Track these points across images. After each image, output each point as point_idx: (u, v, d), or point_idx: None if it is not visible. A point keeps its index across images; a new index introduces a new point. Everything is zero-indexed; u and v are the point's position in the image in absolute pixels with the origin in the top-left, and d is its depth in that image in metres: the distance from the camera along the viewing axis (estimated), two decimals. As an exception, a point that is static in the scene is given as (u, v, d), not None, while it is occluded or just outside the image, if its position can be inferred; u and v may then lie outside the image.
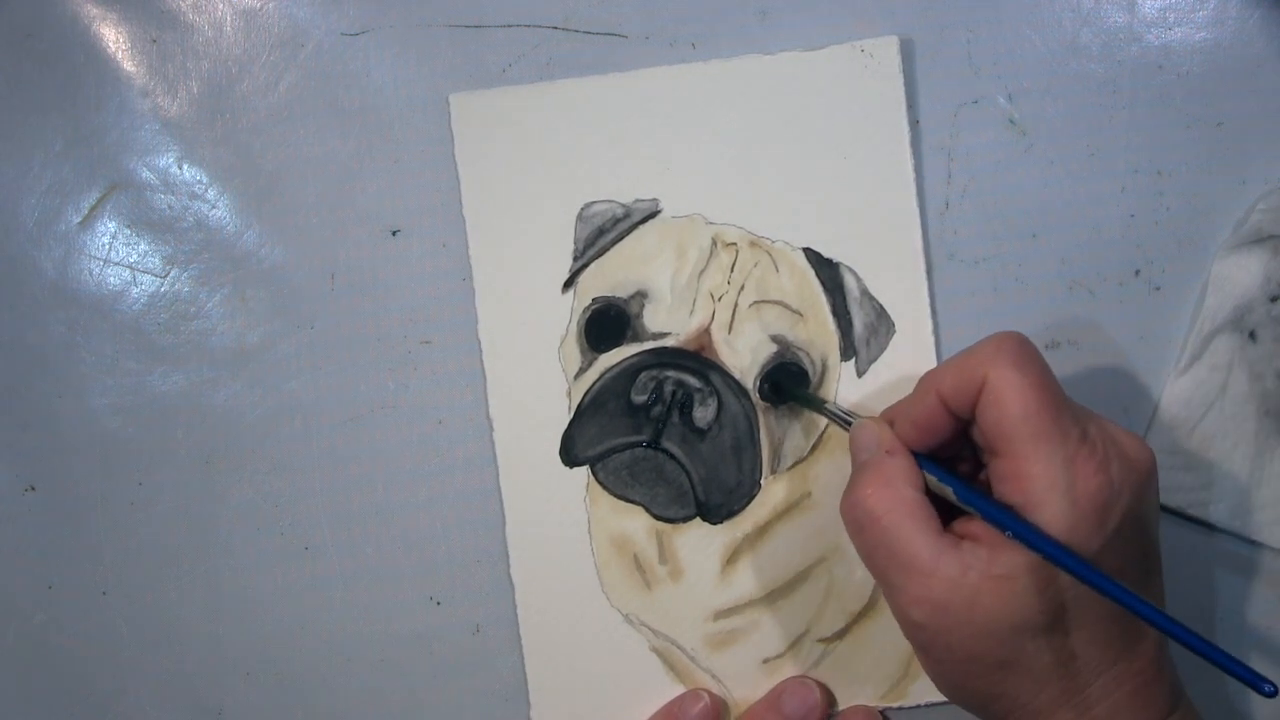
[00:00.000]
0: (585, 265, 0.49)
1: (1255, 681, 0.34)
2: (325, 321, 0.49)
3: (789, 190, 0.49)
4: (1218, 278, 0.48)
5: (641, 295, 0.49)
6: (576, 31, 0.49)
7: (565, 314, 0.49)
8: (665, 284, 0.49)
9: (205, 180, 0.49)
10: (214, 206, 0.49)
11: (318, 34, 0.49)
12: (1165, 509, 0.48)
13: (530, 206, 0.49)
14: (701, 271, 0.48)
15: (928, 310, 0.48)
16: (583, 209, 0.49)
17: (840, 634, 0.48)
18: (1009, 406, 0.38)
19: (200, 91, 0.49)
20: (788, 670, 0.48)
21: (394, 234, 0.49)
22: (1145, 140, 0.49)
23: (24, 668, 0.49)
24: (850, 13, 0.49)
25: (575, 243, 0.49)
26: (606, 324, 0.48)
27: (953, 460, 0.43)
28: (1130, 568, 0.39)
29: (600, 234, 0.49)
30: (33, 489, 0.49)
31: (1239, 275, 0.48)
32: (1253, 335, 0.48)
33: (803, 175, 0.49)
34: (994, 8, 0.50)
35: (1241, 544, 0.49)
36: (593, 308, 0.49)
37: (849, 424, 0.44)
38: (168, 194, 0.49)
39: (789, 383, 0.48)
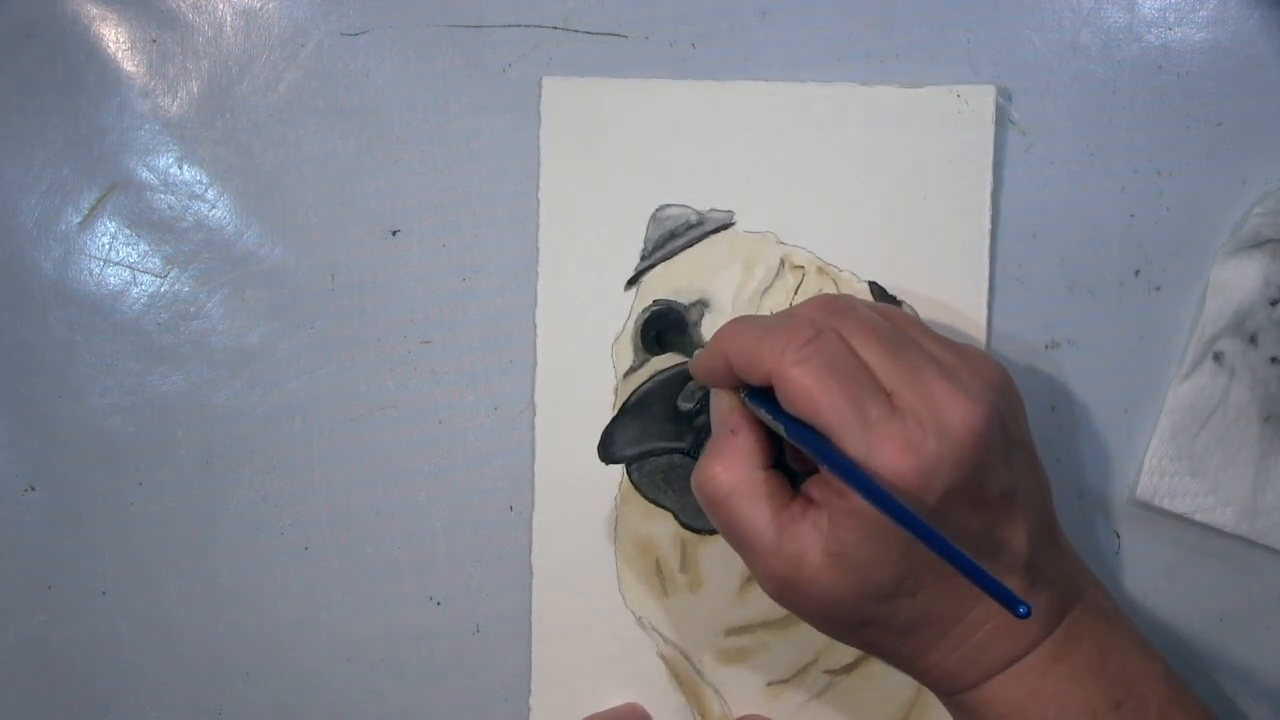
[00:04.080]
0: (652, 266, 0.49)
1: (1011, 603, 0.33)
2: (325, 321, 0.49)
3: (864, 223, 0.48)
4: (1217, 283, 0.48)
5: (702, 304, 0.48)
6: (576, 31, 0.49)
7: (624, 311, 0.49)
8: (728, 296, 0.48)
9: (205, 180, 0.49)
10: (214, 206, 0.49)
11: (318, 34, 0.49)
12: (1170, 514, 0.48)
13: (605, 199, 0.49)
14: (766, 289, 0.48)
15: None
16: (657, 210, 0.49)
17: (848, 668, 0.48)
18: (797, 407, 0.37)
19: (200, 91, 0.49)
20: (791, 696, 0.48)
21: (394, 234, 0.49)
22: (1145, 140, 0.49)
23: (24, 668, 0.49)
24: (849, 13, 0.49)
25: (645, 242, 0.49)
26: (663, 327, 0.48)
27: None
28: (965, 539, 0.38)
29: (671, 237, 0.49)
30: (33, 489, 0.49)
31: (1238, 280, 0.48)
32: (1254, 340, 0.48)
33: (880, 210, 0.48)
34: (994, 8, 0.49)
35: (1246, 548, 0.49)
36: (652, 309, 0.48)
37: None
38: (168, 194, 0.49)
39: (665, 328, 0.47)
